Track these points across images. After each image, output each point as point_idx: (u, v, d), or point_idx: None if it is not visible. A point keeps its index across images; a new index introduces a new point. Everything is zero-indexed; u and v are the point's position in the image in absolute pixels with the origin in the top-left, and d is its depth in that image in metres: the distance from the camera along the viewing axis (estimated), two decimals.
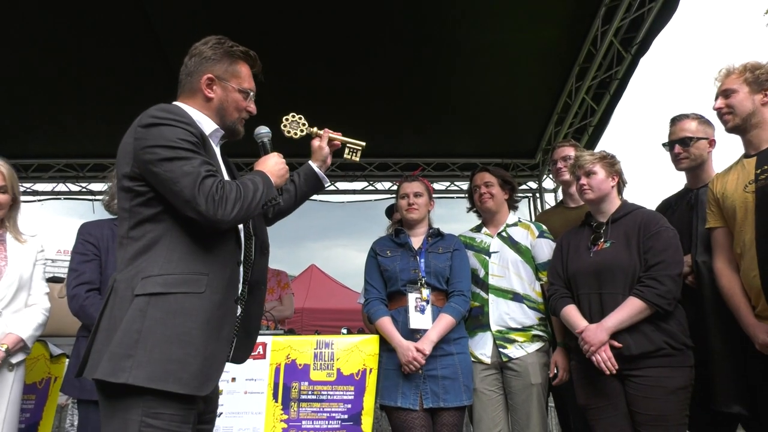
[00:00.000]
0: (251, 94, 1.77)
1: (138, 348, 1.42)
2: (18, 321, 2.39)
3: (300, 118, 1.93)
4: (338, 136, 1.98)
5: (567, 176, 3.01)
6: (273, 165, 1.74)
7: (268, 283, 4.10)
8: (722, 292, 2.20)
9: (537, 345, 2.66)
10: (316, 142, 1.96)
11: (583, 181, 2.46)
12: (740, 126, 2.22)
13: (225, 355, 1.60)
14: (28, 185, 6.37)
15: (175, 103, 1.69)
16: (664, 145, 2.59)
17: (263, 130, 1.84)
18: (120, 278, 1.51)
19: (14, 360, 2.34)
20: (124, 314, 1.45)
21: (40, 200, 6.57)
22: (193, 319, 1.48)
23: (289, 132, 1.93)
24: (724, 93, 2.24)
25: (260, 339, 2.76)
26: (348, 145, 1.99)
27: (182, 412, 1.47)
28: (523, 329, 2.66)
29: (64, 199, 6.60)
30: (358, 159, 1.98)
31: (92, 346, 1.49)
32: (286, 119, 1.94)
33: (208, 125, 1.69)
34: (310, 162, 1.97)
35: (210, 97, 1.70)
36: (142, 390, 1.41)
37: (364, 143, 1.98)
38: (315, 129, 1.94)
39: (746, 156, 2.23)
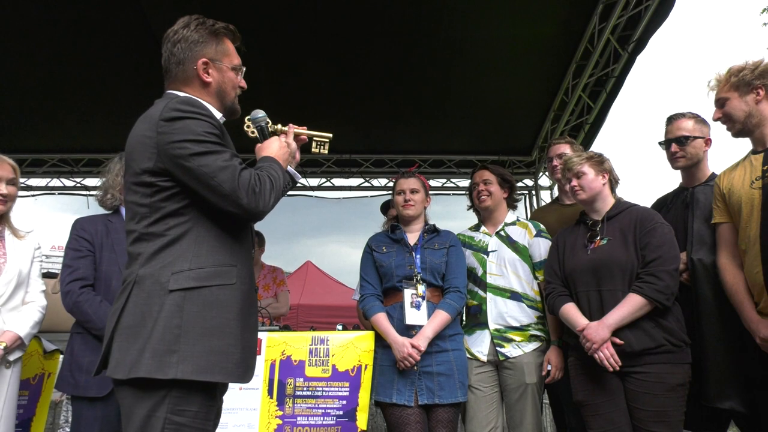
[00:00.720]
0: (242, 69, 1.75)
1: (181, 343, 1.43)
2: (16, 319, 2.37)
3: (263, 117, 1.84)
4: (303, 131, 1.89)
5: None
6: (278, 149, 1.73)
7: (263, 280, 4.12)
8: (725, 287, 2.21)
9: (534, 345, 2.66)
10: (282, 140, 1.85)
11: (574, 182, 2.48)
12: (743, 130, 2.24)
13: (255, 343, 1.63)
14: (22, 180, 6.31)
15: (183, 93, 1.65)
16: (660, 143, 2.60)
17: (259, 114, 1.82)
18: (143, 272, 1.49)
19: (11, 357, 2.34)
20: (158, 310, 1.45)
21: (34, 195, 6.53)
22: (229, 311, 1.51)
23: (253, 133, 1.85)
24: (718, 103, 2.27)
25: None
26: (315, 138, 1.93)
27: (205, 409, 1.49)
28: (521, 328, 2.66)
29: (59, 194, 6.56)
30: (326, 151, 1.93)
31: (113, 342, 1.48)
32: (248, 119, 1.86)
33: (215, 113, 1.65)
34: None
35: (208, 82, 1.66)
36: (170, 385, 1.42)
37: (330, 135, 1.93)
38: (279, 126, 1.87)
39: (754, 152, 2.24)
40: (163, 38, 1.68)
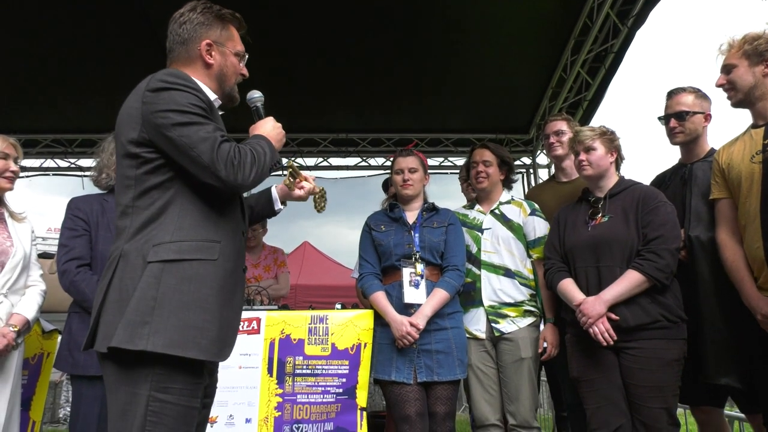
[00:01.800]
0: (245, 56, 1.75)
1: (155, 315, 1.40)
2: (23, 302, 2.41)
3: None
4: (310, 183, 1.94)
5: (559, 151, 3.00)
6: (271, 129, 1.72)
7: (264, 261, 4.13)
8: (725, 264, 2.20)
9: (528, 320, 2.68)
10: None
11: (582, 156, 2.45)
12: (744, 100, 2.20)
13: (238, 323, 1.61)
14: None
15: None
16: (659, 118, 2.58)
17: (256, 95, 1.82)
18: (128, 247, 1.48)
19: (19, 339, 2.38)
20: (137, 282, 1.43)
21: (28, 176, 6.48)
22: (208, 286, 1.48)
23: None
24: (725, 69, 2.22)
25: (254, 314, 2.77)
26: (315, 197, 1.97)
27: (191, 386, 1.46)
28: (515, 304, 2.68)
29: (53, 175, 6.51)
30: (323, 206, 1.97)
31: (100, 318, 1.46)
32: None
33: (209, 94, 1.65)
34: (274, 187, 1.95)
35: (210, 63, 1.67)
36: (153, 362, 1.40)
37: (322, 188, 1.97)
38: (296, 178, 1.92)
39: (754, 126, 2.21)
40: (170, 20, 1.69)
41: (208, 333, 1.45)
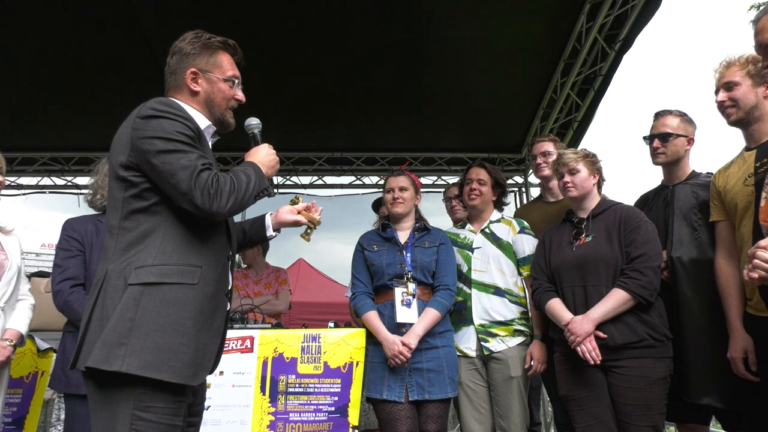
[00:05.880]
0: (237, 81, 1.78)
1: (131, 336, 1.43)
2: (15, 316, 2.42)
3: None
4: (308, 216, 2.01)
5: (546, 171, 3.06)
6: (264, 156, 1.76)
7: (266, 279, 4.20)
8: (718, 289, 2.23)
9: (518, 339, 2.71)
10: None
11: (567, 178, 2.51)
12: (743, 119, 2.20)
13: (216, 347, 1.62)
14: (12, 179, 6.28)
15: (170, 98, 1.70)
16: (644, 138, 2.64)
17: (254, 122, 1.87)
18: (112, 268, 1.51)
19: (13, 355, 2.37)
20: (117, 303, 1.46)
21: (24, 194, 6.48)
22: (186, 310, 1.51)
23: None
24: (726, 86, 2.20)
25: (248, 333, 2.79)
26: (309, 225, 2.02)
27: (173, 405, 1.48)
28: (505, 323, 2.71)
29: (49, 192, 6.52)
30: (309, 238, 2.03)
31: (85, 337, 1.49)
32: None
33: (201, 121, 1.70)
34: (269, 215, 2.01)
35: (196, 91, 1.72)
36: (134, 381, 1.42)
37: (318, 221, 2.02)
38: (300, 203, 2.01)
39: (747, 149, 2.24)
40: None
41: (182, 356, 1.47)
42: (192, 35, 1.75)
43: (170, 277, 1.51)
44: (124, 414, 1.42)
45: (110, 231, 1.57)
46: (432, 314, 2.60)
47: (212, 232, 1.63)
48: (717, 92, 2.25)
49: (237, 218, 1.91)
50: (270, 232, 1.98)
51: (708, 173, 2.50)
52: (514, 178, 6.72)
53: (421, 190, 2.96)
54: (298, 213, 1.99)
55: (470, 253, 2.84)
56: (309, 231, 2.01)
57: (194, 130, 1.60)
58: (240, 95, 1.80)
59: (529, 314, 2.78)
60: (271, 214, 2.00)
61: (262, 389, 2.70)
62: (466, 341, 2.73)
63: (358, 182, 6.78)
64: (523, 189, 6.71)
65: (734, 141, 2.37)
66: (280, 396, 2.70)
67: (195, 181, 1.50)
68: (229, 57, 1.79)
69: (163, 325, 1.46)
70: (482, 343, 2.70)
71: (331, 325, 3.05)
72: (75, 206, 6.13)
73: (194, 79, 1.72)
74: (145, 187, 1.55)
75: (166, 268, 1.51)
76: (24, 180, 6.45)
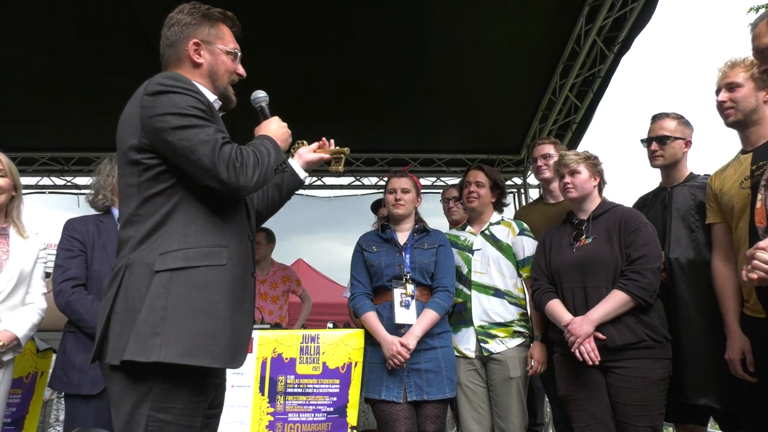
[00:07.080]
0: (238, 54, 1.71)
1: (165, 325, 1.37)
2: (15, 318, 2.34)
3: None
4: (324, 152, 1.91)
5: (547, 174, 3.07)
6: (276, 129, 1.70)
7: (272, 277, 4.29)
8: (715, 290, 2.24)
9: (517, 341, 2.72)
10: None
11: (567, 179, 2.53)
12: (741, 121, 2.19)
13: (250, 329, 1.57)
14: None
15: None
16: (642, 140, 2.65)
17: (260, 95, 1.80)
18: (134, 257, 1.44)
19: (5, 358, 2.30)
20: (145, 293, 1.40)
21: (24, 194, 6.47)
22: (218, 292, 1.45)
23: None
24: (729, 86, 2.20)
25: None
26: (333, 156, 1.92)
27: (192, 405, 1.43)
28: (505, 324, 2.72)
29: (49, 193, 6.52)
30: (341, 169, 1.91)
31: (108, 330, 1.42)
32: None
33: (208, 95, 1.61)
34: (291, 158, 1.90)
35: (199, 63, 1.63)
36: (156, 376, 1.37)
37: (347, 149, 1.92)
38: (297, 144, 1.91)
39: (743, 152, 2.24)
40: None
41: (220, 340, 1.42)
42: (189, 6, 1.67)
43: (198, 260, 1.44)
44: (141, 414, 1.37)
45: (128, 220, 1.49)
46: (430, 315, 2.61)
47: (233, 210, 1.56)
48: (718, 92, 2.24)
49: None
50: (303, 175, 1.85)
51: (705, 175, 2.52)
52: (513, 179, 6.73)
53: (420, 191, 2.96)
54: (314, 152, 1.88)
55: (470, 255, 2.85)
56: (339, 161, 1.90)
57: (206, 104, 1.53)
58: (241, 70, 1.71)
59: (529, 316, 2.79)
60: (292, 158, 1.87)
61: (261, 390, 2.71)
62: (466, 342, 2.75)
63: (357, 183, 6.80)
64: (522, 190, 6.72)
65: (731, 143, 2.37)
66: (279, 396, 2.71)
67: (218, 156, 1.43)
68: (228, 29, 1.71)
69: (196, 311, 1.40)
70: (482, 344, 2.71)
71: (330, 325, 3.07)
72: (75, 206, 6.12)
73: (197, 50, 1.63)
74: (160, 170, 1.47)
75: (192, 252, 1.44)
76: (24, 180, 6.43)
